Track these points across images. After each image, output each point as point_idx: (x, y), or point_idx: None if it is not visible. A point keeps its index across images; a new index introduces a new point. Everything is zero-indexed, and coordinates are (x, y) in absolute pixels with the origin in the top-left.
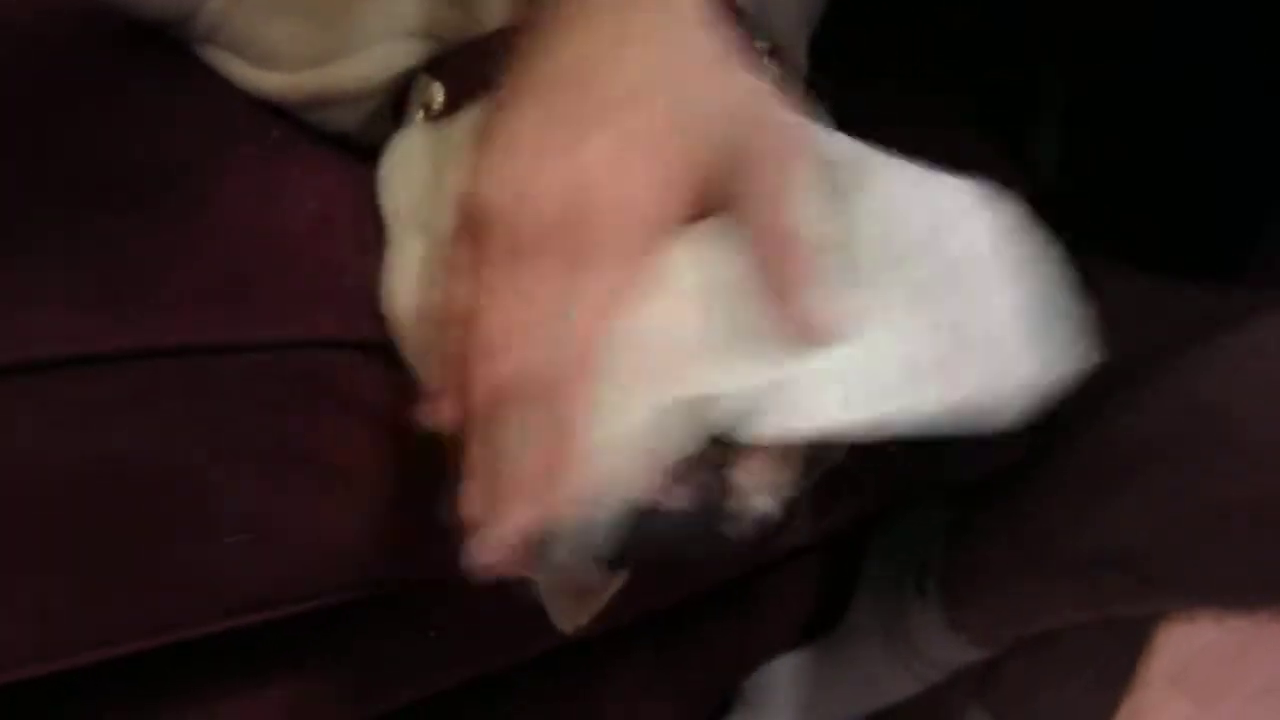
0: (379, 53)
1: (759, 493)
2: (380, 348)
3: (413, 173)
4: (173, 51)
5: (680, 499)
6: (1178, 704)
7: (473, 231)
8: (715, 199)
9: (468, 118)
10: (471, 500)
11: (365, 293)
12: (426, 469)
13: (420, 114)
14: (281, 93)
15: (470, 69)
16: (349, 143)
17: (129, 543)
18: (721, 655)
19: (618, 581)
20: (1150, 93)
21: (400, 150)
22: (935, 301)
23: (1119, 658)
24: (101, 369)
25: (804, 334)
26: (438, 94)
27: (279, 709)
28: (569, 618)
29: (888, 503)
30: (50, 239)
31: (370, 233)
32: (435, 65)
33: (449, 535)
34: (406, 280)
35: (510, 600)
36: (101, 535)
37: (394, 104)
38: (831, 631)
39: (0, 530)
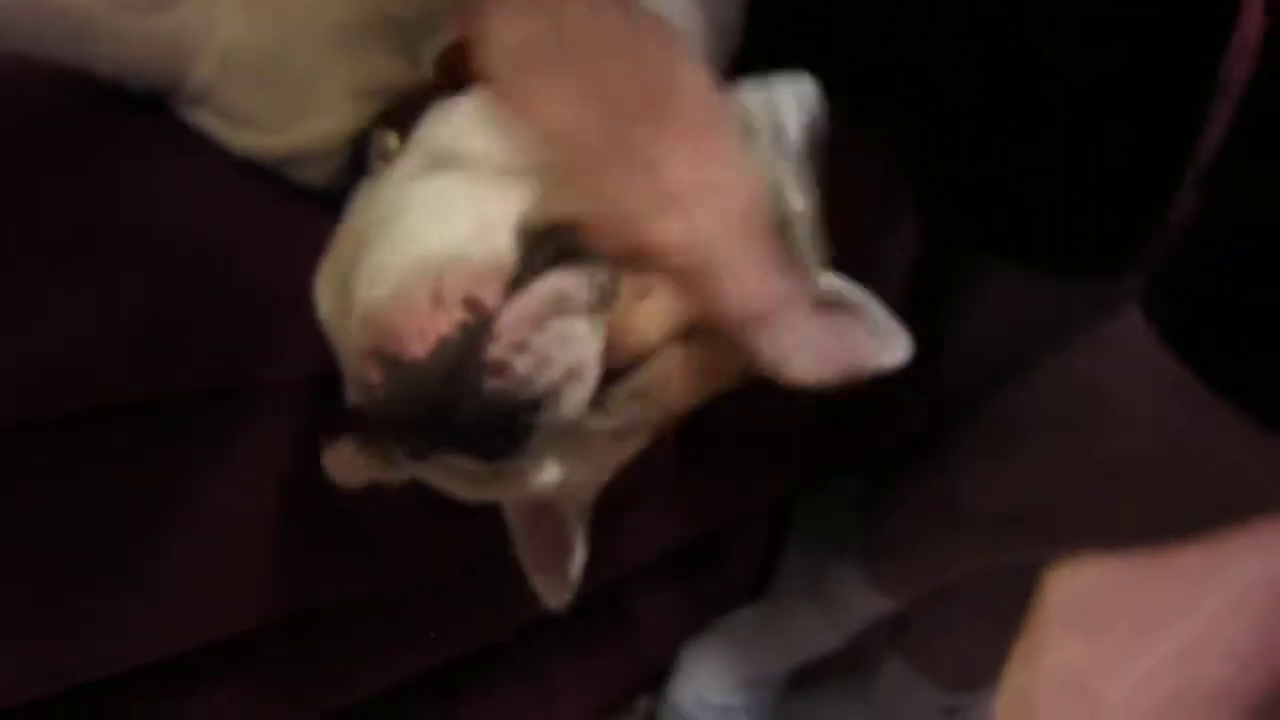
0: (339, 112)
1: (519, 349)
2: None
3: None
4: (157, 118)
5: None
6: (1068, 639)
7: None
8: None
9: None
10: None
11: None
12: None
13: (380, 163)
14: (260, 151)
15: (419, 112)
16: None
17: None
18: (678, 618)
19: (581, 554)
20: (1037, 109)
21: (367, 197)
22: None
23: (1012, 601)
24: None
25: None
26: (393, 141)
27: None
28: (555, 595)
29: (813, 473)
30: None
31: None
32: (387, 117)
33: None
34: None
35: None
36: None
37: (354, 157)
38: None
39: None
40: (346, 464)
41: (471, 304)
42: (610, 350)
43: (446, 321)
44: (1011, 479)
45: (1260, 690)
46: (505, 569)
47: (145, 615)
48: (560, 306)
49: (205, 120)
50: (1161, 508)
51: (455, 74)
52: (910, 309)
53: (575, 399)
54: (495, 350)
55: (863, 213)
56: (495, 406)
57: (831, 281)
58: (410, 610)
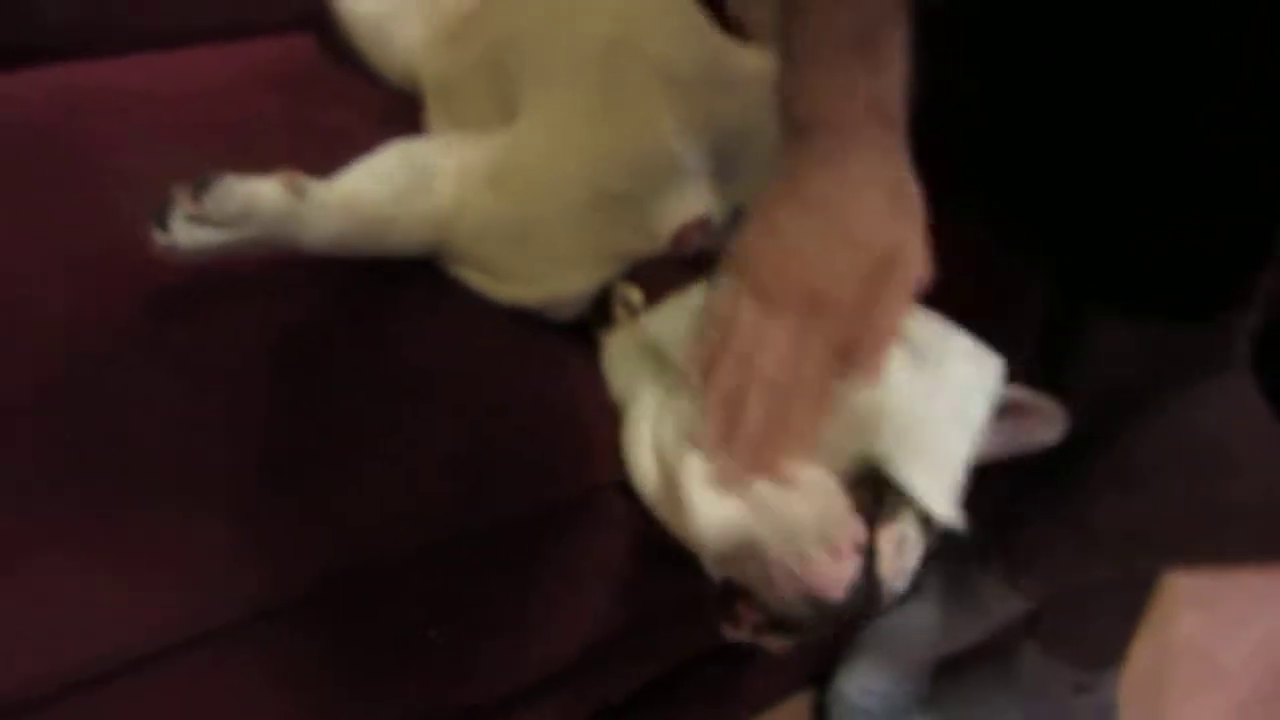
0: (580, 270)
1: (899, 573)
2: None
3: (630, 362)
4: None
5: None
6: (1189, 612)
7: (743, 278)
8: None
9: (667, 312)
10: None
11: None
12: None
13: (623, 311)
14: (519, 300)
15: (658, 275)
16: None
17: None
18: None
19: None
20: (1142, 160)
21: (623, 344)
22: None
23: (1139, 593)
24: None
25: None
26: (635, 295)
27: None
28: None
29: None
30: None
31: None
32: (630, 275)
33: None
34: (640, 444)
35: None
36: None
37: (597, 304)
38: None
39: None
40: (743, 634)
41: (860, 549)
42: None
43: (849, 568)
44: (1137, 512)
45: None
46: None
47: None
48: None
49: (469, 276)
50: (1276, 539)
51: (686, 242)
52: (1037, 360)
53: None
54: (886, 588)
55: (992, 286)
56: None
57: (1020, 393)
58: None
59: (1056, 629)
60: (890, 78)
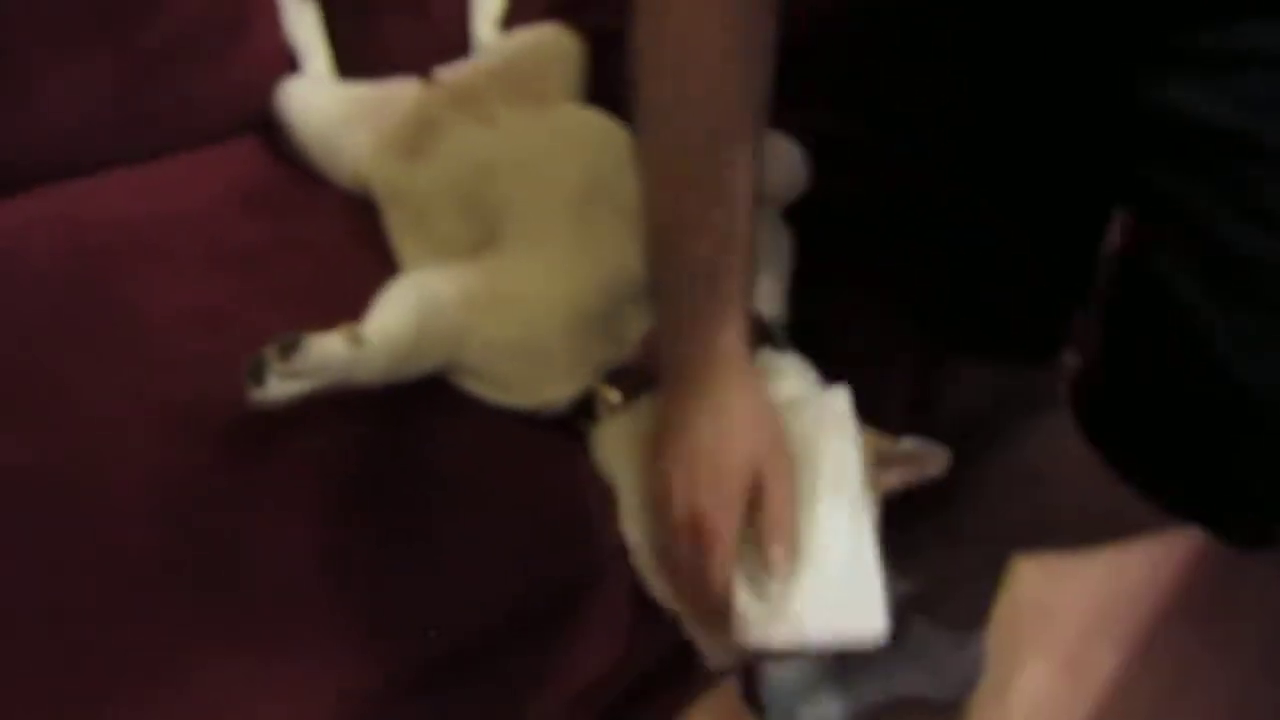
0: (570, 379)
1: None
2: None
3: (618, 453)
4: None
5: None
6: (1029, 571)
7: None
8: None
9: (641, 409)
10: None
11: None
12: None
13: (605, 410)
14: (516, 405)
15: (633, 377)
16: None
17: None
18: None
19: None
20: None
21: (606, 437)
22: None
23: (1001, 568)
24: None
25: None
26: (614, 395)
27: None
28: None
29: None
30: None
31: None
32: (609, 378)
33: None
34: (630, 519)
35: None
36: None
37: (579, 402)
38: None
39: None
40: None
41: None
42: None
43: None
44: (990, 523)
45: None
46: None
47: None
48: None
49: (474, 386)
50: (1090, 539)
51: (652, 347)
52: (911, 403)
53: None
54: None
55: (877, 348)
56: None
57: (914, 443)
58: None
59: (938, 603)
60: (739, 328)
